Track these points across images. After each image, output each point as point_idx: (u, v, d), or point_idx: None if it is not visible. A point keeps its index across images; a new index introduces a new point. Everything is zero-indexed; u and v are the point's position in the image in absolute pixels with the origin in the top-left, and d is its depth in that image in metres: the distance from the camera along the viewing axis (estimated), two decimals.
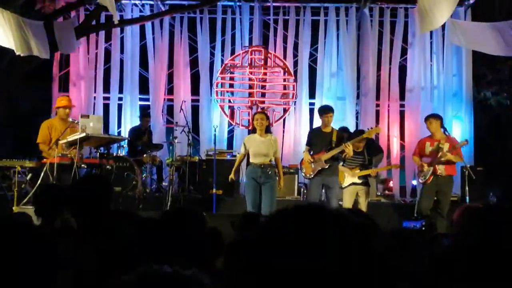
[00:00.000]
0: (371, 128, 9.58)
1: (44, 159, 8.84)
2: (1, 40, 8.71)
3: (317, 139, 9.17)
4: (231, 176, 8.79)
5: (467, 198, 9.47)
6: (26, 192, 8.86)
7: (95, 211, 3.97)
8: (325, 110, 9.29)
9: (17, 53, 8.98)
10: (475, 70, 13.24)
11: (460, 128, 12.90)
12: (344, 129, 10.14)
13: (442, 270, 2.91)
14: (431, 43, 13.34)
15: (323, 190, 9.18)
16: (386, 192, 12.57)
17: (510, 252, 2.45)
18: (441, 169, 9.13)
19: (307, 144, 9.41)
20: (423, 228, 6.61)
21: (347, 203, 9.37)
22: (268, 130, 8.72)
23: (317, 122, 12.27)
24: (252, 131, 8.90)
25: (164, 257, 2.89)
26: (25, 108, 14.75)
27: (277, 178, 8.63)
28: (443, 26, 11.54)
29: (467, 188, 9.64)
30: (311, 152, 9.16)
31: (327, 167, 8.89)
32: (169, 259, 2.66)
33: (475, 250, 2.74)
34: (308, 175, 9.11)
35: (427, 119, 9.54)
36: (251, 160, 8.58)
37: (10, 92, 12.55)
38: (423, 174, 9.21)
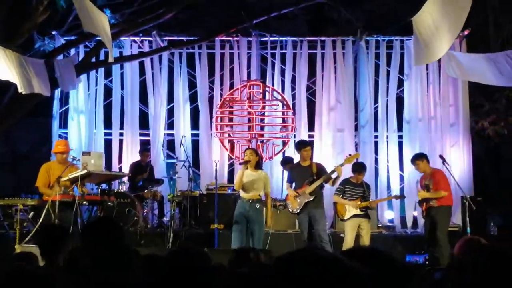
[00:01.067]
0: (350, 154, 9.68)
1: (46, 197, 8.87)
2: (7, 76, 8.81)
3: (298, 174, 9.35)
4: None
5: (468, 228, 9.49)
6: (28, 230, 8.86)
7: (108, 250, 4.00)
8: (303, 145, 9.53)
9: (20, 91, 9.06)
10: (472, 100, 13.34)
11: (458, 158, 12.94)
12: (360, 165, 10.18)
13: None
14: (427, 74, 13.45)
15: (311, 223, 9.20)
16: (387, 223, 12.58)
17: None
18: (433, 202, 9.31)
19: (288, 181, 9.59)
20: (426, 262, 6.62)
21: (349, 236, 9.42)
22: (258, 166, 8.83)
23: (317, 154, 12.39)
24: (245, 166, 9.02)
25: None
26: (25, 145, 14.81)
27: (265, 213, 8.88)
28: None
29: (467, 219, 9.68)
30: (293, 187, 9.33)
31: (312, 199, 9.03)
32: None
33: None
34: (295, 210, 9.25)
35: (413, 162, 9.74)
36: (241, 195, 8.78)
37: (10, 129, 12.61)
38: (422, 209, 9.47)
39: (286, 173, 13.07)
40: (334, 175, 9.14)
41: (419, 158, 9.74)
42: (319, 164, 9.49)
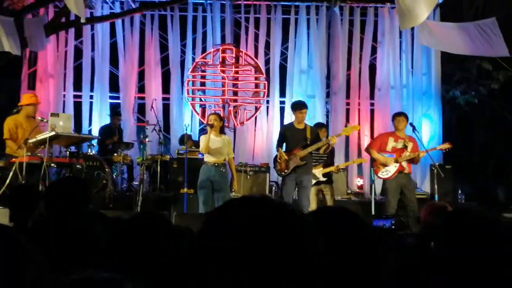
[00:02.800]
0: (349, 125, 9.62)
1: (13, 158, 8.74)
2: None
3: (291, 136, 9.05)
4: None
5: (436, 196, 9.61)
6: None
7: (71, 212, 3.94)
8: (300, 106, 9.19)
9: None
10: (444, 69, 13.40)
11: (429, 126, 13.04)
12: (321, 125, 10.10)
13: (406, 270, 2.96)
14: (400, 42, 13.47)
15: (296, 188, 9.11)
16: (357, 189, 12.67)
17: (473, 252, 2.49)
18: (406, 167, 9.23)
19: (279, 141, 9.27)
20: (393, 227, 6.69)
21: (313, 202, 9.42)
22: (222, 131, 8.82)
23: (288, 119, 12.35)
24: (205, 131, 8.99)
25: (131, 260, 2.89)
26: None
27: (230, 177, 8.87)
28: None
29: (436, 186, 9.78)
30: (284, 149, 9.09)
31: (303, 163, 8.82)
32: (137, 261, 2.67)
33: (439, 250, 2.78)
34: (283, 173, 8.98)
35: (398, 115, 9.55)
36: (205, 159, 8.74)
37: None
38: (386, 169, 9.20)
39: (257, 138, 13.12)
40: (329, 143, 8.93)
41: (406, 116, 9.51)
42: (314, 129, 9.23)
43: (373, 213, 9.77)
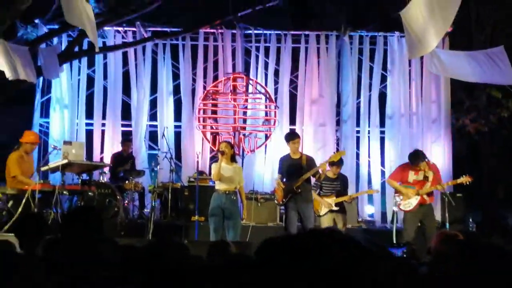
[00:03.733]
0: (336, 151, 9.69)
1: (26, 186, 8.82)
2: None
3: (288, 166, 9.15)
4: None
5: (447, 224, 9.58)
6: (7, 219, 8.81)
7: (85, 239, 3.99)
8: (292, 137, 9.36)
9: (7, 77, 9.00)
10: (453, 97, 13.44)
11: (439, 154, 13.04)
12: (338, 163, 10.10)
13: None
14: (410, 70, 13.53)
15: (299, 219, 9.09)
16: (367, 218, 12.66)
17: (485, 282, 2.52)
18: (426, 198, 9.22)
19: (279, 172, 9.38)
20: (404, 255, 6.68)
21: None
22: (233, 159, 8.87)
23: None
24: (216, 159, 9.07)
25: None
26: (5, 134, 14.66)
27: (240, 205, 8.91)
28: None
29: (447, 215, 9.77)
30: (284, 180, 9.18)
31: (298, 192, 8.88)
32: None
33: (451, 279, 2.81)
34: (280, 202, 9.15)
35: (416, 160, 9.34)
36: (216, 187, 8.76)
37: None
38: (408, 201, 9.19)
39: (267, 166, 13.17)
40: (320, 171, 9.04)
41: (423, 158, 9.34)
42: (309, 157, 9.33)
43: (394, 241, 9.71)
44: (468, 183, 9.41)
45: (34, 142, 9.56)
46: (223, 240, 7.42)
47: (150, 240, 3.32)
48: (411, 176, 9.33)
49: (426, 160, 9.47)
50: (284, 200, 9.02)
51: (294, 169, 9.05)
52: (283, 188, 9.01)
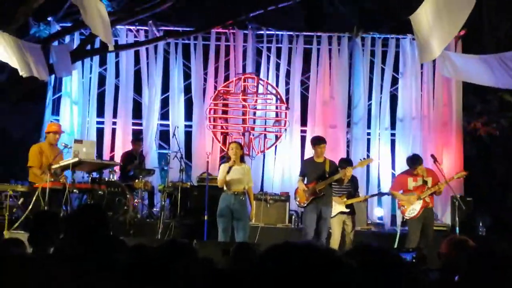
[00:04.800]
0: (364, 158, 9.77)
1: (36, 184, 8.86)
2: (5, 59, 8.84)
3: (311, 169, 9.43)
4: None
5: (457, 228, 9.56)
6: (18, 216, 8.86)
7: (91, 239, 4.00)
8: (319, 141, 9.60)
9: (21, 74, 9.07)
10: (465, 101, 13.38)
11: (449, 158, 12.98)
12: (347, 162, 10.12)
13: None
14: (422, 73, 13.47)
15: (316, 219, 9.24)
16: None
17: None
18: (429, 201, 9.31)
19: (300, 174, 9.65)
20: (414, 261, 6.67)
21: (336, 233, 9.54)
22: (242, 159, 8.93)
23: (308, 149, 12.39)
24: (227, 159, 9.11)
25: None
26: (17, 131, 14.75)
27: (249, 206, 9.00)
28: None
29: (457, 219, 9.75)
30: (305, 182, 9.39)
31: (321, 195, 9.10)
32: None
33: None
34: (302, 204, 9.34)
35: (413, 164, 9.61)
36: (225, 187, 8.77)
37: (1, 114, 12.59)
38: (412, 208, 9.31)
39: (277, 167, 13.16)
40: (343, 177, 9.23)
41: (420, 160, 9.66)
42: (332, 162, 9.57)
43: (395, 245, 9.78)
44: (464, 177, 9.56)
45: (57, 131, 9.65)
46: (246, 242, 7.47)
47: (161, 244, 3.31)
48: (411, 183, 9.54)
49: (436, 163, 9.54)
50: (305, 202, 9.21)
51: (318, 172, 9.32)
52: (305, 190, 9.12)
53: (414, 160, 9.71)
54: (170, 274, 2.94)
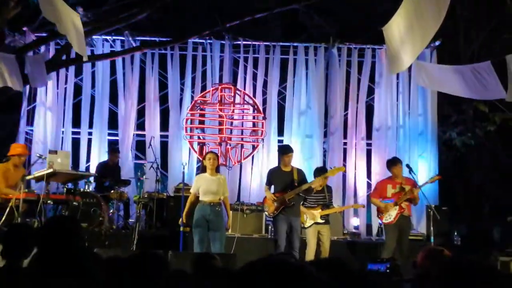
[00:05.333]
0: (334, 167, 9.75)
1: (10, 195, 8.75)
2: None
3: (278, 179, 9.26)
4: (183, 219, 8.85)
5: (432, 238, 9.60)
6: None
7: (64, 250, 3.95)
8: (286, 150, 9.48)
9: None
10: (441, 111, 13.50)
11: (425, 167, 13.06)
12: (322, 170, 10.11)
13: None
14: (397, 83, 13.57)
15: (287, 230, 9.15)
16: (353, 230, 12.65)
17: None
18: (405, 208, 9.33)
19: (267, 183, 9.52)
20: (387, 271, 6.68)
21: (312, 243, 9.49)
22: (217, 170, 8.93)
23: None
24: (202, 170, 9.07)
25: None
26: None
27: (225, 217, 8.90)
28: (410, 67, 11.75)
29: (432, 228, 9.80)
30: (272, 191, 9.28)
31: (290, 205, 9.00)
32: None
33: None
34: (271, 214, 9.20)
35: (396, 162, 9.71)
36: (200, 198, 8.76)
37: None
38: (388, 214, 9.34)
39: (254, 177, 13.15)
40: (313, 185, 9.18)
41: (401, 161, 9.78)
42: (300, 171, 9.43)
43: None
44: (437, 180, 9.67)
45: (22, 153, 9.46)
46: (207, 252, 7.40)
47: (132, 253, 3.27)
48: (389, 190, 9.56)
49: (412, 173, 9.58)
50: (275, 212, 9.07)
51: (286, 181, 9.15)
52: (274, 200, 9.04)
53: (393, 161, 9.81)
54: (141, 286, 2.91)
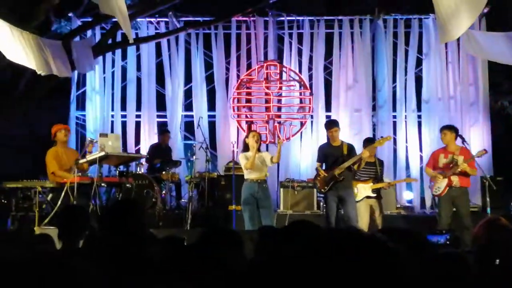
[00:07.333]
0: (382, 137, 9.59)
1: (65, 179, 8.88)
2: (22, 60, 8.74)
3: (328, 154, 9.20)
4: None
5: (488, 209, 9.41)
6: (47, 212, 8.90)
7: (126, 233, 3.99)
8: (331, 125, 9.39)
9: (39, 73, 9.03)
10: (492, 79, 13.18)
11: (478, 137, 12.80)
12: (370, 140, 9.97)
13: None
14: (446, 53, 13.28)
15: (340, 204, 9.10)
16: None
17: None
18: (455, 180, 9.09)
19: (318, 160, 9.43)
20: (448, 243, 6.56)
21: (364, 217, 9.35)
22: (258, 149, 8.95)
23: None
24: (245, 148, 9.05)
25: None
26: (43, 128, 14.83)
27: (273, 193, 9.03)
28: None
29: (488, 199, 9.59)
30: (323, 167, 9.22)
31: (341, 179, 8.92)
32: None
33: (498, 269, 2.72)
34: (322, 190, 9.16)
35: (441, 130, 9.56)
36: (246, 176, 8.82)
37: (27, 113, 12.64)
38: (437, 186, 9.17)
39: (303, 154, 13.10)
40: (363, 156, 8.98)
41: (451, 128, 9.47)
42: (350, 145, 9.32)
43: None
44: (483, 155, 9.39)
45: (61, 128, 9.50)
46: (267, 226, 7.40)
47: (202, 233, 3.26)
48: (441, 159, 9.34)
49: (464, 144, 9.37)
50: (326, 187, 9.02)
51: (335, 157, 9.07)
52: (325, 176, 8.98)
53: (442, 127, 9.70)
54: (211, 266, 2.88)
